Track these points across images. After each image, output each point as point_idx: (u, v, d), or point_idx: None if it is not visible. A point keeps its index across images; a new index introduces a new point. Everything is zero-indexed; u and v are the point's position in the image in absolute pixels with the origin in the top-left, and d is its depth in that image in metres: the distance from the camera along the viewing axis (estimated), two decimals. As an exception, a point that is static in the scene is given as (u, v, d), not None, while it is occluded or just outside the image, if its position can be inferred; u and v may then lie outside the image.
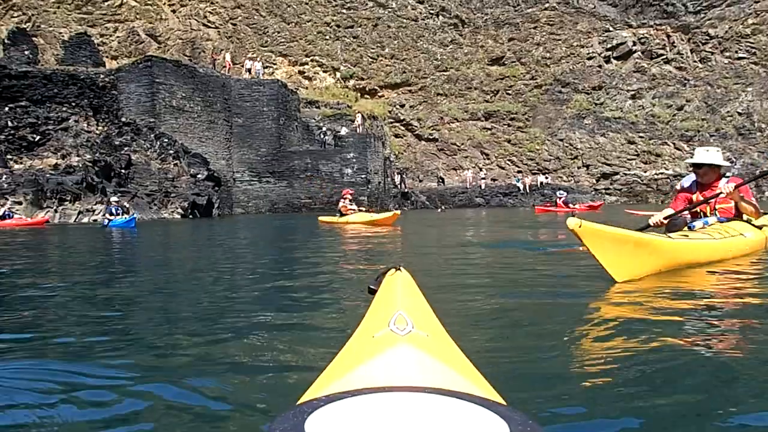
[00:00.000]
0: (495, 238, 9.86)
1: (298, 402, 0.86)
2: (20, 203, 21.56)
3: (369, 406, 0.79)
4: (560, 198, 27.72)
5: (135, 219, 18.82)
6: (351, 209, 17.42)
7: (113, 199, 21.54)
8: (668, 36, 50.22)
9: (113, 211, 19.56)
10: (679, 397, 1.70)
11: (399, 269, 1.57)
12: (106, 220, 18.86)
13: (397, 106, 50.56)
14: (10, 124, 25.96)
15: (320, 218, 18.51)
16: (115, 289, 4.55)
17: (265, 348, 2.47)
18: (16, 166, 24.82)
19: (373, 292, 1.61)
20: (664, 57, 50.13)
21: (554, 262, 5.65)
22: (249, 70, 38.68)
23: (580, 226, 3.49)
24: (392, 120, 49.71)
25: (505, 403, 0.87)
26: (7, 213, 20.81)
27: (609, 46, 50.98)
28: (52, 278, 5.35)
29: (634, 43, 50.58)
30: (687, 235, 5.03)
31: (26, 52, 34.62)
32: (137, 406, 1.73)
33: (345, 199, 17.98)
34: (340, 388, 0.89)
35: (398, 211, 16.34)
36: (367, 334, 1.17)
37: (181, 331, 2.86)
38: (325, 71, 50.02)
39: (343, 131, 36.72)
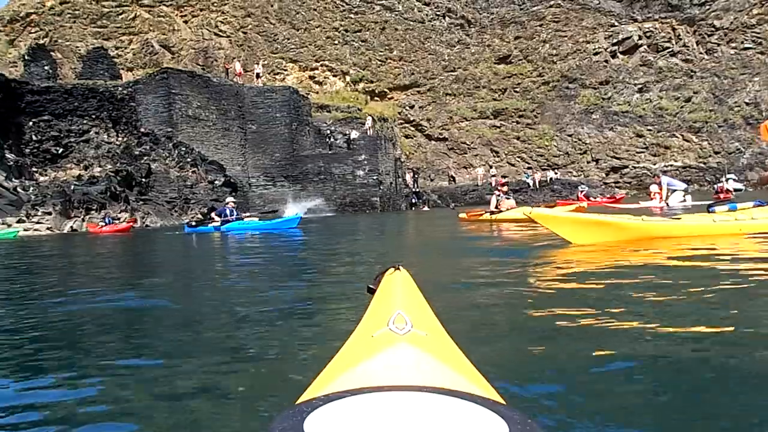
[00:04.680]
0: (523, 235, 9.18)
1: (297, 401, 0.86)
2: (50, 213, 22.60)
3: (368, 406, 0.80)
4: (581, 192, 28.41)
5: (300, 218, 16.55)
6: (509, 204, 14.30)
7: (229, 199, 19.43)
8: (674, 29, 50.58)
9: (228, 212, 17.37)
10: (681, 396, 1.73)
11: (398, 268, 1.57)
12: (216, 224, 16.86)
13: (407, 108, 51.36)
14: (34, 137, 27.05)
15: (462, 215, 15.75)
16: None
17: (263, 348, 2.51)
18: (42, 178, 25.87)
19: (372, 291, 1.61)
20: (670, 50, 50.50)
21: (554, 259, 5.49)
22: (258, 75, 39.69)
23: (530, 212, 5.12)
24: (402, 121, 50.49)
25: (504, 402, 0.88)
26: (108, 220, 22.06)
27: (615, 40, 51.43)
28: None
29: (640, 37, 51.00)
30: (680, 217, 6.23)
31: (46, 68, 35.85)
32: (138, 403, 1.84)
33: (499, 191, 14.89)
34: (339, 387, 0.90)
35: (584, 205, 13.53)
36: (366, 333, 1.17)
37: (181, 331, 3.01)
38: (334, 75, 50.93)
39: (354, 134, 37.57)
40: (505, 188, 15.07)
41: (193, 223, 18.36)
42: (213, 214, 17.83)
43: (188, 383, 2.02)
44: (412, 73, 51.78)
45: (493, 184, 44.49)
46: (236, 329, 2.94)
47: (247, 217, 17.89)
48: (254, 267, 6.73)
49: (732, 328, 2.47)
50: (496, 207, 14.11)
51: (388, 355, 0.97)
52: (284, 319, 3.18)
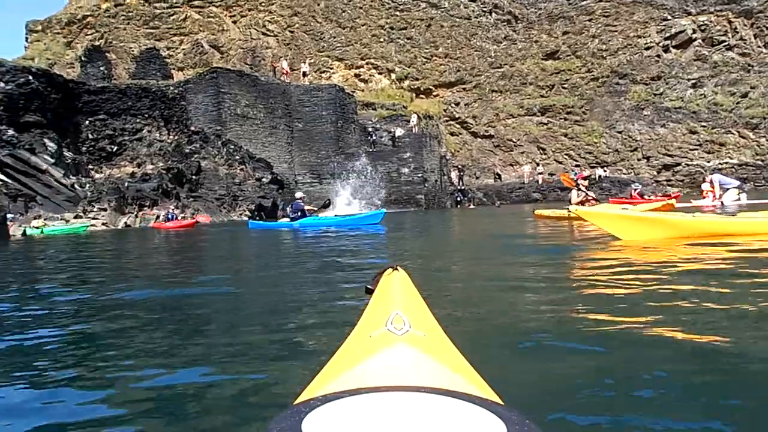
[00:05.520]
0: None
1: (295, 402, 0.86)
2: (105, 209, 23.35)
3: (366, 406, 0.80)
4: (635, 190, 27.70)
5: (384, 213, 15.68)
6: (592, 199, 13.04)
7: (299, 194, 18.84)
8: (730, 22, 48.95)
9: (300, 207, 16.48)
10: (679, 393, 1.72)
11: (396, 269, 1.57)
12: (286, 220, 16.28)
13: (452, 105, 51.11)
14: (90, 136, 28.00)
15: (538, 212, 14.86)
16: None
17: (262, 349, 2.52)
18: (97, 176, 26.79)
19: (370, 291, 1.61)
20: (726, 44, 48.89)
21: (563, 263, 5.26)
22: (305, 74, 40.22)
23: (575, 210, 5.45)
24: (447, 118, 50.28)
25: (502, 402, 0.87)
26: (171, 215, 22.76)
27: (667, 35, 50.08)
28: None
29: (694, 31, 49.53)
30: (735, 215, 6.19)
31: (101, 68, 37.06)
32: (137, 402, 1.86)
33: (579, 186, 13.53)
34: (337, 387, 0.90)
35: (673, 201, 12.95)
36: (364, 333, 1.17)
37: (178, 332, 3.05)
38: (380, 73, 51.07)
39: (399, 132, 37.62)
40: (586, 182, 13.95)
41: (255, 216, 17.88)
42: (289, 210, 17.20)
43: (185, 383, 2.04)
44: (458, 70, 51.50)
45: (539, 182, 44.05)
46: (232, 329, 2.97)
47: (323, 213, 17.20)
48: (286, 265, 6.62)
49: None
50: (580, 203, 12.75)
51: (386, 355, 0.97)
52: (281, 319, 3.17)
